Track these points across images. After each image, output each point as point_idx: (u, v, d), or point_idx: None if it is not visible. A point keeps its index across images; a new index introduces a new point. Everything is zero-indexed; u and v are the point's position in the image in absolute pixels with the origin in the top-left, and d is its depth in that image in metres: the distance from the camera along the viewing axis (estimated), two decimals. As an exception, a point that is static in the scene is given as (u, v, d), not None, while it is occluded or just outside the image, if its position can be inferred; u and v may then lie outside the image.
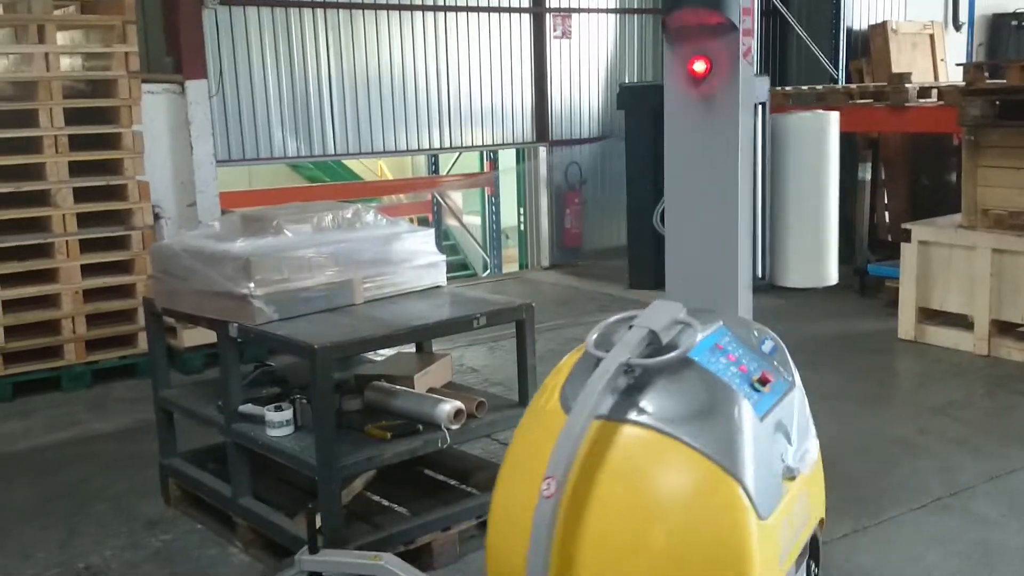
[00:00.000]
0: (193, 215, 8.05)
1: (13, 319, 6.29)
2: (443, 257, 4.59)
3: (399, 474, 4.40)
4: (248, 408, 4.13)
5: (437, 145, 10.08)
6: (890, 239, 9.94)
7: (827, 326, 7.83)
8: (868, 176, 8.88)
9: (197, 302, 4.16)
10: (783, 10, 9.87)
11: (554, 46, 10.49)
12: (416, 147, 9.99)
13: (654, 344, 2.72)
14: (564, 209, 10.86)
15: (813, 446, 3.07)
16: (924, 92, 8.00)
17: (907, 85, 7.90)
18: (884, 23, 10.24)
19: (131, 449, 5.42)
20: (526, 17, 10.32)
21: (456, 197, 13.41)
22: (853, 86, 8.71)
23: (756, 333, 3.06)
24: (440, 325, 4.02)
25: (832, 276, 3.44)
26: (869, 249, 9.12)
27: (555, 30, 10.45)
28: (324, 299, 4.10)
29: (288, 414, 3.97)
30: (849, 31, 10.39)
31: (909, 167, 9.99)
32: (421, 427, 3.93)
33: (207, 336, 6.47)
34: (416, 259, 4.46)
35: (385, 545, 3.82)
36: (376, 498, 4.36)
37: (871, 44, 10.26)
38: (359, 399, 4.19)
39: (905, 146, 9.84)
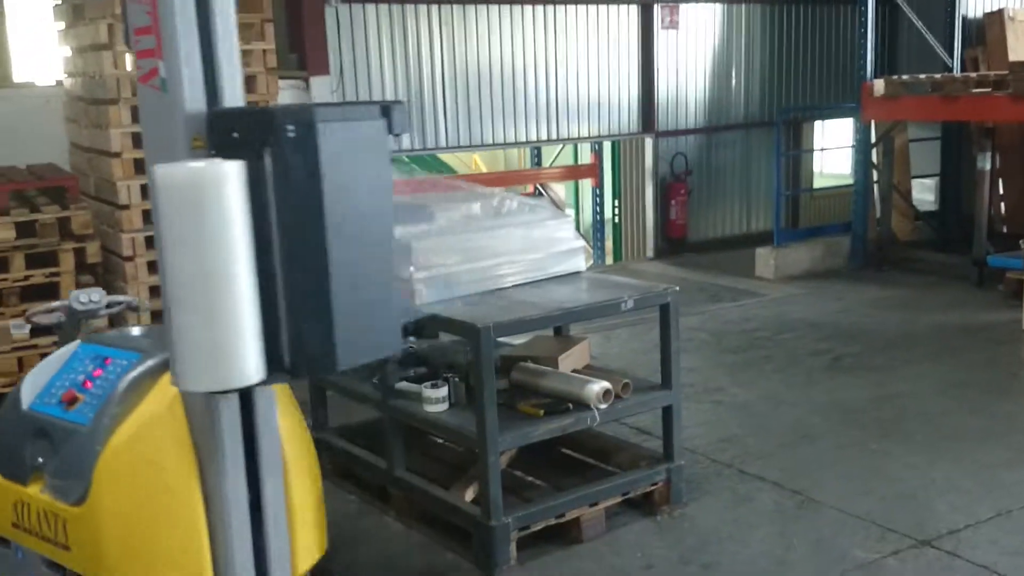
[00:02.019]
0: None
1: (158, 304, 6.64)
2: (583, 243, 4.75)
3: (539, 452, 4.56)
4: (404, 385, 4.35)
5: (544, 137, 10.24)
6: (1006, 230, 9.78)
7: (948, 317, 7.75)
8: (988, 166, 8.73)
9: (356, 285, 4.38)
10: (895, -3, 9.77)
11: (661, 37, 10.55)
12: (524, 139, 10.17)
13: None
14: (669, 200, 10.92)
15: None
16: (1047, 80, 7.85)
17: (1030, 73, 7.77)
18: (1000, 11, 10.03)
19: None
20: (634, 9, 10.40)
21: (559, 189, 13.55)
22: (973, 74, 8.58)
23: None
24: (591, 308, 4.17)
25: (238, 377, 2.52)
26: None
27: (663, 21, 10.50)
28: (477, 283, 4.29)
29: (444, 391, 4.17)
30: (964, 19, 10.19)
31: (1028, 157, 9.80)
32: (571, 406, 4.10)
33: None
34: (558, 245, 4.62)
35: (536, 517, 4.01)
36: (519, 474, 4.53)
37: (987, 32, 10.07)
38: (506, 379, 4.37)
39: (1024, 135, 9.65)
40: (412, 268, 4.10)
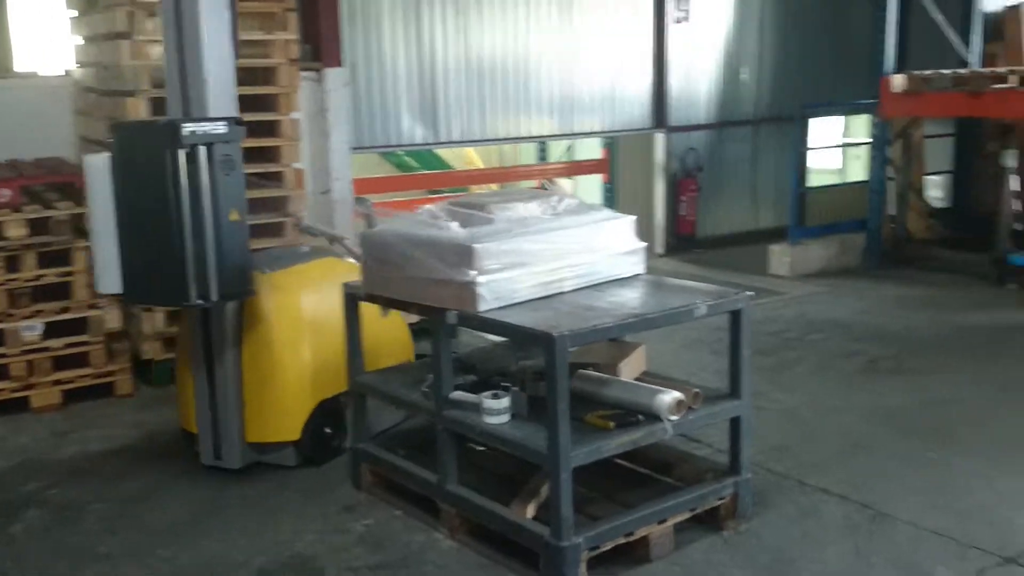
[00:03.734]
0: (328, 202, 8.10)
1: (175, 303, 6.37)
2: (644, 244, 4.54)
3: (593, 463, 4.35)
4: (459, 395, 4.13)
5: (556, 131, 10.04)
6: (1022, 228, 9.66)
7: (976, 317, 7.66)
8: (1012, 163, 8.62)
9: (411, 289, 4.16)
10: (911, -9, 9.62)
11: (673, 30, 10.35)
12: (534, 133, 9.97)
13: None
14: (678, 196, 10.75)
15: None
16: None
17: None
18: (1018, 6, 9.92)
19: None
20: (646, 1, 10.19)
21: (566, 185, 13.32)
22: (1002, 70, 8.42)
23: None
24: (666, 315, 3.97)
25: (108, 288, 4.56)
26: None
27: (675, 14, 10.30)
28: (538, 287, 4.08)
29: (506, 402, 3.96)
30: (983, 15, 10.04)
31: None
32: (641, 418, 3.90)
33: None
34: (619, 246, 4.42)
35: (607, 537, 3.81)
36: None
37: (1005, 28, 9.95)
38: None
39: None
40: (474, 272, 3.88)
